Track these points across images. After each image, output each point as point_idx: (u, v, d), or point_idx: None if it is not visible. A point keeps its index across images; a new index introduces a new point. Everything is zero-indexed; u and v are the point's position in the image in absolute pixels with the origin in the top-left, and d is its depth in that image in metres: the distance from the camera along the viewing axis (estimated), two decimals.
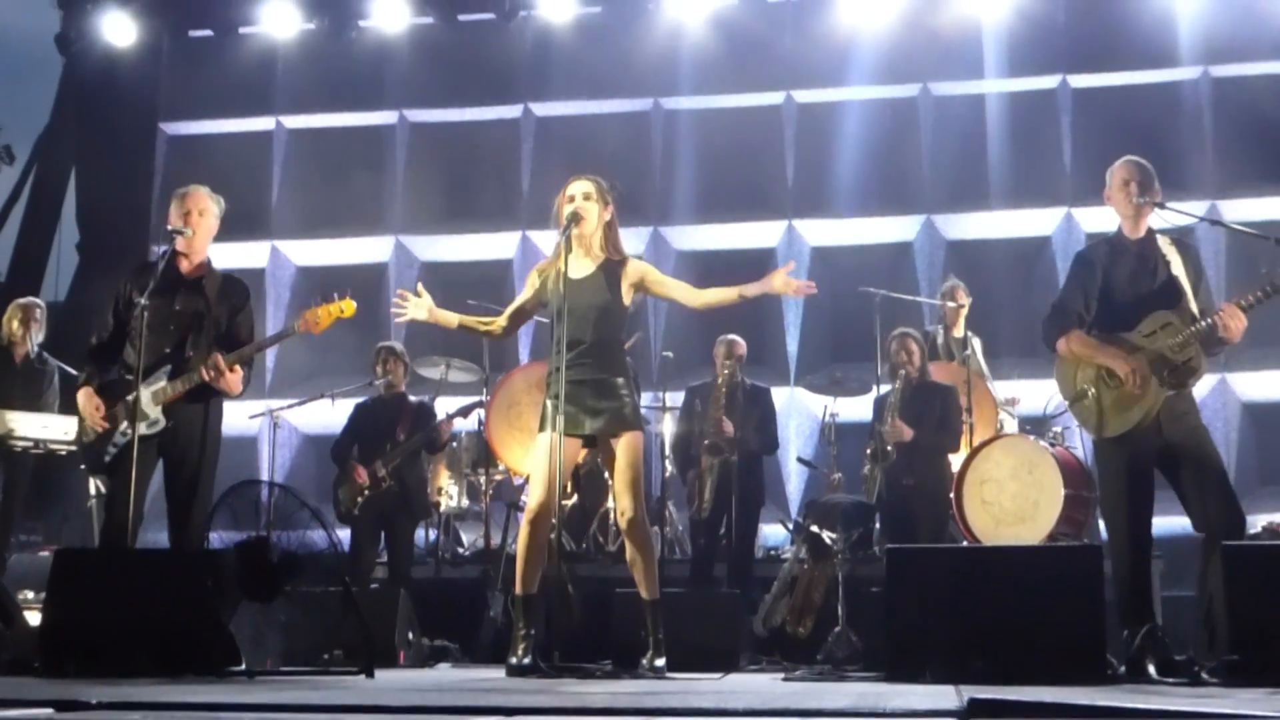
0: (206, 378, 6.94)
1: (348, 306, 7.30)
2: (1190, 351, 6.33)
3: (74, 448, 7.87)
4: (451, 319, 6.94)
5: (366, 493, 9.29)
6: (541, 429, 6.60)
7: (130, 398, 6.87)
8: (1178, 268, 6.49)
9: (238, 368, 7.03)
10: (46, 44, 13.88)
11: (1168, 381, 6.31)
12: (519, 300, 7.04)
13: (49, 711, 3.92)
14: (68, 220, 13.77)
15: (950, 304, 10.18)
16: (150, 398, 6.96)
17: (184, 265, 7.20)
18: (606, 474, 6.86)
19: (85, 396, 7.12)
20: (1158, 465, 6.42)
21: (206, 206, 7.21)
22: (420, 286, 6.97)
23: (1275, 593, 5.75)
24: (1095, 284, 6.57)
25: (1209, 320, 6.29)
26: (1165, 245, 6.56)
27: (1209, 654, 5.96)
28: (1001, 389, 10.04)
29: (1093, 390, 6.46)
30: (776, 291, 6.71)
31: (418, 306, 6.86)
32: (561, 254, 6.55)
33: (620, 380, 6.60)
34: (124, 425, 6.97)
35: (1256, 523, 9.66)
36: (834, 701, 4.37)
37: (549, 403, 6.54)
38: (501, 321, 7.02)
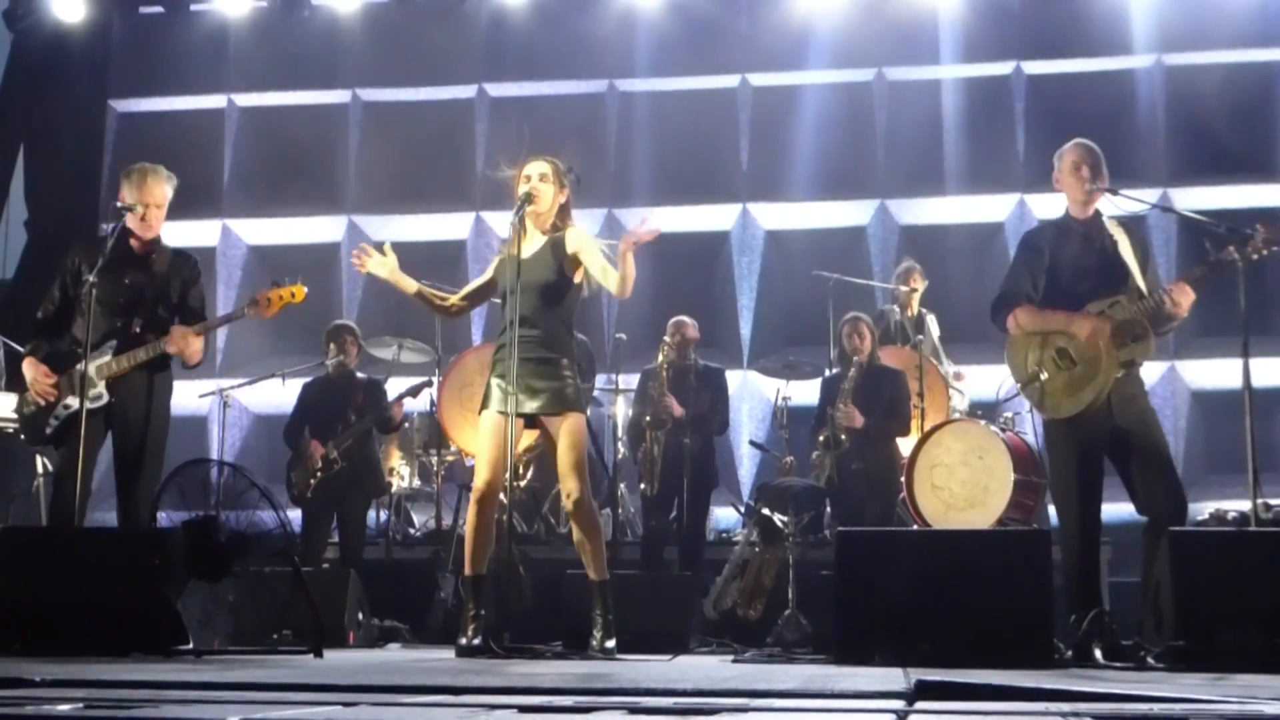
0: (171, 350, 6.93)
1: (298, 292, 7.30)
2: (1140, 327, 6.37)
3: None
4: (410, 285, 6.91)
5: (319, 474, 9.25)
6: (484, 408, 6.59)
7: (77, 369, 6.85)
8: (1125, 249, 6.54)
9: (200, 336, 7.04)
10: None
11: (1120, 358, 6.34)
12: (477, 281, 7.06)
13: None
14: (16, 197, 13.61)
15: (903, 288, 10.23)
16: (94, 372, 6.92)
17: (135, 242, 7.15)
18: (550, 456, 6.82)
19: (31, 367, 7.07)
20: (1106, 448, 6.45)
21: (165, 198, 7.18)
22: (387, 246, 6.93)
23: (1220, 579, 5.81)
24: (1041, 266, 6.62)
25: (1158, 296, 6.33)
26: (1112, 227, 6.62)
27: (1155, 639, 6.01)
28: (950, 366, 10.11)
29: (1044, 373, 6.49)
30: (628, 248, 6.36)
31: (380, 264, 6.84)
32: (514, 235, 6.54)
33: (564, 361, 6.58)
34: (66, 398, 6.93)
35: (1203, 509, 9.73)
36: (782, 683, 4.38)
37: (493, 381, 6.53)
38: (456, 299, 7.01)
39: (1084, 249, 6.59)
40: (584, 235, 6.80)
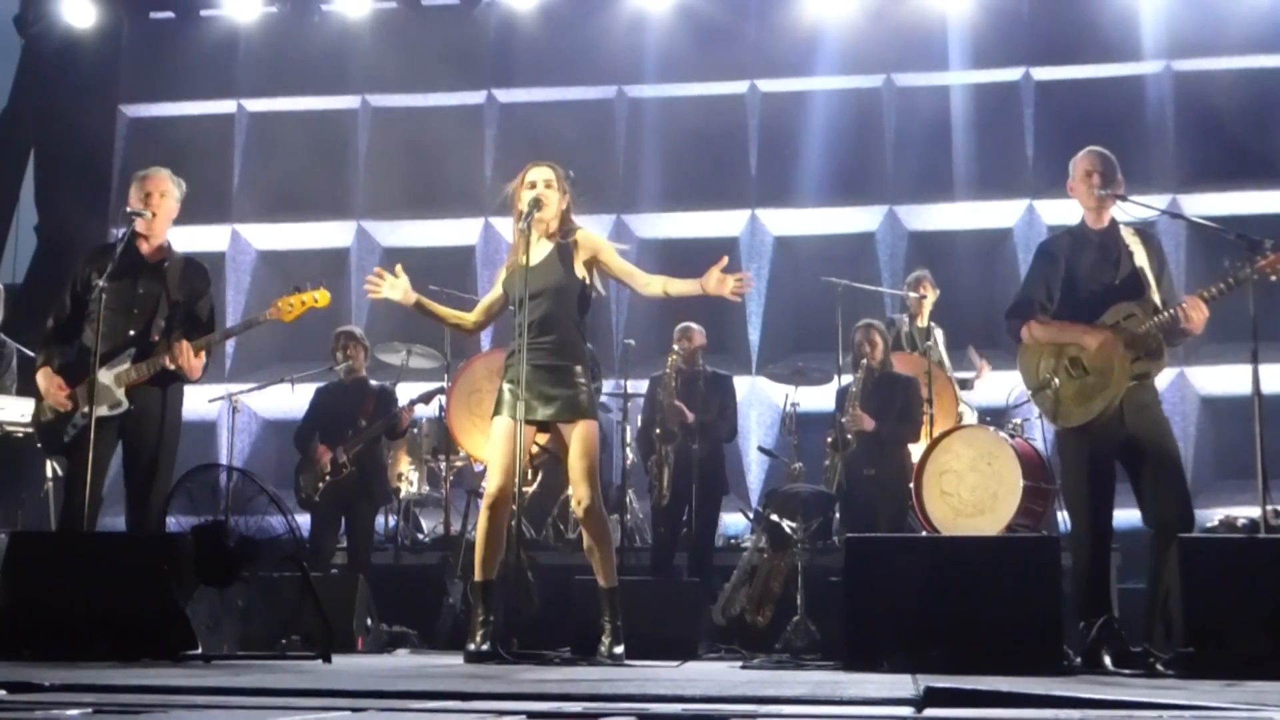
0: (171, 365, 6.90)
1: (321, 296, 7.26)
2: (1154, 341, 6.37)
3: (31, 429, 7.81)
4: (425, 304, 6.86)
5: (327, 478, 9.26)
6: (496, 414, 6.57)
7: (90, 379, 6.83)
8: (1141, 258, 6.51)
9: (203, 354, 7.00)
10: (5, 25, 13.77)
11: (1133, 371, 6.33)
12: (489, 297, 6.96)
13: (0, 693, 3.88)
14: (26, 203, 13.66)
15: (913, 295, 10.24)
16: (114, 380, 6.92)
17: (144, 248, 7.14)
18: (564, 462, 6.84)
19: (45, 377, 7.05)
20: (1119, 457, 6.44)
21: (167, 189, 7.15)
22: (399, 269, 6.89)
23: (1230, 585, 5.78)
24: (1057, 276, 6.59)
25: (1172, 310, 6.32)
26: (1128, 236, 6.59)
27: (1164, 646, 5.99)
28: (962, 373, 10.13)
29: (1056, 380, 6.48)
30: (710, 293, 6.52)
31: (393, 287, 6.77)
32: (523, 243, 6.51)
33: (578, 368, 6.56)
34: (85, 406, 6.91)
35: (1213, 516, 9.72)
36: (791, 690, 4.37)
37: (505, 387, 6.51)
38: (472, 316, 6.94)
39: (1100, 259, 6.57)
40: (597, 237, 6.80)
